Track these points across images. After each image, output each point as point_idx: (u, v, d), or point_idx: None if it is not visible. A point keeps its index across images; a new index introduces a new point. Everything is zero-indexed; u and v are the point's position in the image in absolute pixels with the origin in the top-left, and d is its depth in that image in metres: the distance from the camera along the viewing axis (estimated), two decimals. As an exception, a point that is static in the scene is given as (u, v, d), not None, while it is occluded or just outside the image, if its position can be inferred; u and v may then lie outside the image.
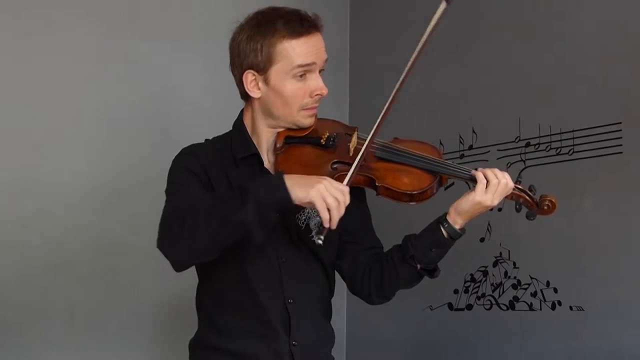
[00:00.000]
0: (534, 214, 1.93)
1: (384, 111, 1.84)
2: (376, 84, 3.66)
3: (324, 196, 1.72)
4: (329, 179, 1.75)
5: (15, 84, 2.87)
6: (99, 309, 2.96)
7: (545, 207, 1.92)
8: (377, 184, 1.88)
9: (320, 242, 1.73)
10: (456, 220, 1.90)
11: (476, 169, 1.90)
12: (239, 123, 2.02)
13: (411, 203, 1.89)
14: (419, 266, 1.92)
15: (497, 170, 1.89)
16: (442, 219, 1.91)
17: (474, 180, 1.88)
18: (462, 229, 1.91)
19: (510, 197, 1.91)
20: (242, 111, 2.03)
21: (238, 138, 1.99)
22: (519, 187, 1.92)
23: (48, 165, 2.90)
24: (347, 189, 1.75)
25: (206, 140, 2.04)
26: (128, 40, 3.12)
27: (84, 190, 2.97)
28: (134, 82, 3.12)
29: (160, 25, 3.22)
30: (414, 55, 1.80)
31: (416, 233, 1.95)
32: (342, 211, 1.74)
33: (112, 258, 3.02)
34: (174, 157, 1.99)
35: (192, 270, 2.05)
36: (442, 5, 1.77)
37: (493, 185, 1.86)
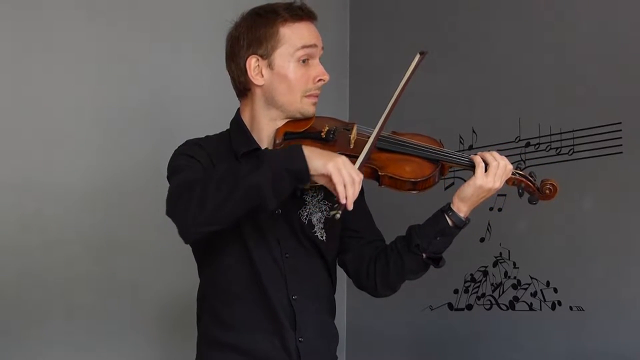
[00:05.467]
0: (536, 198, 1.95)
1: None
2: (376, 84, 3.66)
3: (341, 170, 1.71)
4: (345, 157, 1.74)
5: (15, 84, 2.87)
6: (99, 308, 2.96)
7: (547, 191, 1.94)
8: (380, 173, 1.88)
9: (338, 216, 1.71)
10: (460, 208, 1.90)
11: (475, 154, 1.90)
12: (237, 121, 2.01)
13: (413, 191, 1.90)
14: (424, 255, 1.92)
15: (495, 153, 1.90)
16: (446, 208, 1.91)
17: (474, 167, 1.89)
18: (467, 218, 1.91)
19: (511, 182, 1.92)
20: (238, 110, 2.02)
21: (238, 134, 1.98)
22: (519, 172, 1.93)
23: (48, 165, 2.90)
24: (361, 174, 1.74)
25: (207, 136, 2.03)
26: (128, 40, 3.12)
27: (84, 190, 2.97)
28: (134, 82, 3.12)
29: (160, 25, 3.22)
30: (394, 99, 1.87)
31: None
32: (357, 191, 1.72)
33: (112, 258, 3.02)
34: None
35: (193, 269, 2.05)
36: (417, 57, 1.88)
37: (493, 167, 1.87)
